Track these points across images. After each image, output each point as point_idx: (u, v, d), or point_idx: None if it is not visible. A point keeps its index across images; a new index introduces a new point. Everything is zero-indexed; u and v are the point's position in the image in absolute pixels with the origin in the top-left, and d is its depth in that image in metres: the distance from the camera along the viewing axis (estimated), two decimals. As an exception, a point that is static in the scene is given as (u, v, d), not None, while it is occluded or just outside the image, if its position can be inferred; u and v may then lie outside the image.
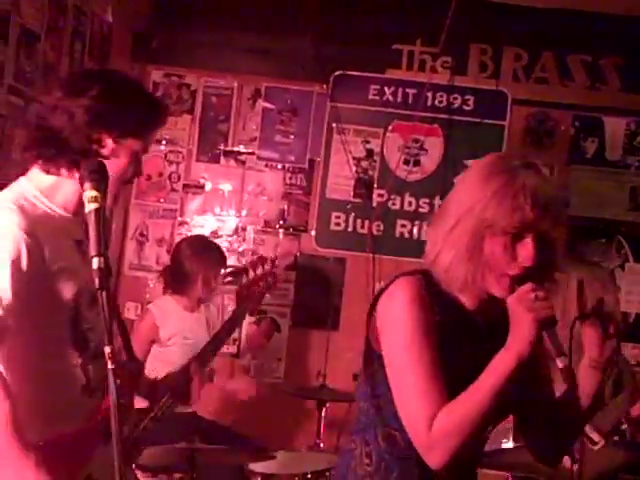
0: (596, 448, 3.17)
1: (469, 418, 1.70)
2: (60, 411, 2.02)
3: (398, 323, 1.79)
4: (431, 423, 1.71)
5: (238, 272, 2.61)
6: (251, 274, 2.43)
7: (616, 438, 3.30)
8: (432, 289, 1.82)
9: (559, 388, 1.92)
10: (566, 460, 2.98)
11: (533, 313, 1.67)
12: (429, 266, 1.85)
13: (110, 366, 1.49)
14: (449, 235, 1.79)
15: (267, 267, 2.61)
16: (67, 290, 2.00)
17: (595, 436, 3.17)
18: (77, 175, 1.94)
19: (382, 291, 1.88)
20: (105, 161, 1.91)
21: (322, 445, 4.02)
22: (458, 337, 1.83)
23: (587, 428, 3.15)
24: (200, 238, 4.51)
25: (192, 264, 4.04)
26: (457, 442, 1.71)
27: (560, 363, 1.67)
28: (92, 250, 1.53)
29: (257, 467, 3.48)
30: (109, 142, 2.06)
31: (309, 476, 3.42)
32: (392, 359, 1.80)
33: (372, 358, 1.88)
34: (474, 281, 1.77)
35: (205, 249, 4.19)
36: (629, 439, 3.39)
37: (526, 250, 1.73)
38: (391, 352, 1.81)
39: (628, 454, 3.31)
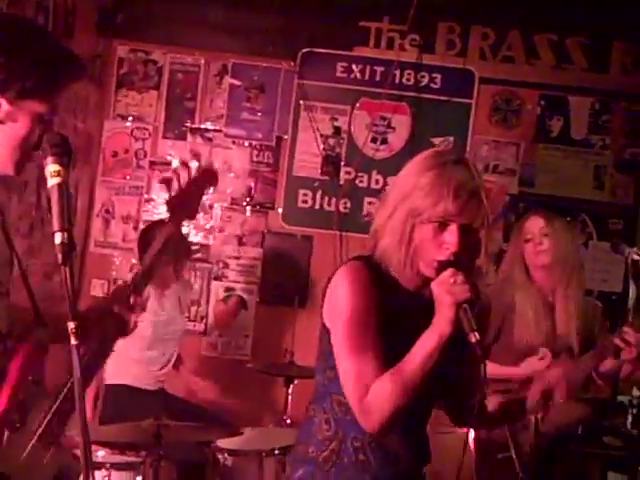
0: (561, 401, 3.24)
1: (399, 390, 1.89)
2: None
3: (341, 302, 1.98)
4: (366, 392, 1.91)
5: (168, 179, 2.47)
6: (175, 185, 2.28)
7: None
8: (374, 272, 2.00)
9: None
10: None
11: (452, 296, 1.86)
12: (372, 250, 2.04)
13: (73, 342, 1.48)
14: (387, 222, 1.99)
15: (201, 163, 2.53)
16: None
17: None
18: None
19: (332, 275, 2.06)
20: (1, 126, 1.80)
21: (289, 421, 4.04)
22: (399, 316, 2.00)
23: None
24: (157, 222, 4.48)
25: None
26: (389, 411, 1.90)
27: (473, 337, 1.84)
28: (55, 225, 1.51)
29: (224, 443, 3.49)
30: (3, 103, 1.79)
31: (276, 452, 3.44)
32: (336, 335, 1.99)
33: (323, 333, 2.06)
34: (406, 265, 1.97)
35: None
36: (593, 395, 3.46)
37: (450, 237, 1.92)
38: (335, 329, 2.00)
39: (589, 408, 3.38)
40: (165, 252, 2.24)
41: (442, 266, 1.91)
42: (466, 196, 1.92)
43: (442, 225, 1.92)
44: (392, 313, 1.98)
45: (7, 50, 1.78)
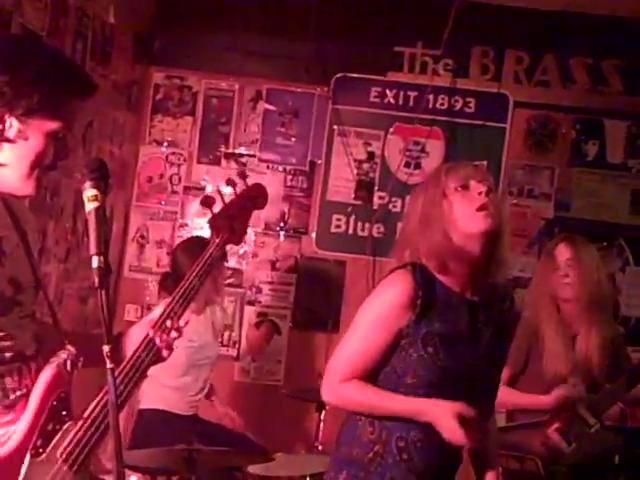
0: (591, 431, 3.19)
1: (361, 407, 2.20)
2: None
3: (370, 301, 2.23)
4: (344, 380, 2.19)
5: (210, 199, 2.21)
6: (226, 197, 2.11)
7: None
8: (421, 276, 2.16)
9: None
10: (560, 441, 3.05)
11: (451, 434, 2.08)
12: (411, 258, 2.22)
13: (109, 365, 1.48)
14: (417, 221, 2.22)
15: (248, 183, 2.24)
16: None
17: (590, 419, 3.19)
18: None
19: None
20: (13, 145, 1.78)
21: (321, 448, 4.00)
22: (444, 315, 2.15)
23: (583, 411, 3.18)
24: (193, 240, 4.44)
25: (183, 262, 3.98)
26: (347, 407, 2.25)
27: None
28: (92, 249, 1.52)
29: (256, 469, 3.47)
30: (13, 122, 1.77)
31: (308, 479, 3.41)
32: (352, 325, 2.26)
33: None
34: (453, 239, 2.15)
35: (200, 250, 4.16)
36: (625, 423, 3.41)
37: (475, 186, 2.18)
38: (354, 320, 2.25)
39: (622, 437, 3.32)
40: (206, 275, 2.11)
41: (479, 210, 2.16)
42: (473, 167, 2.29)
43: (464, 187, 2.18)
44: (440, 315, 2.14)
45: (10, 67, 1.77)
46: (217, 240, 2.20)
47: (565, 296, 3.35)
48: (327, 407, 4.01)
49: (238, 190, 2.25)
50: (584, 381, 3.27)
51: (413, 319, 2.13)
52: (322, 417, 3.99)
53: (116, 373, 1.89)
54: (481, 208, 2.14)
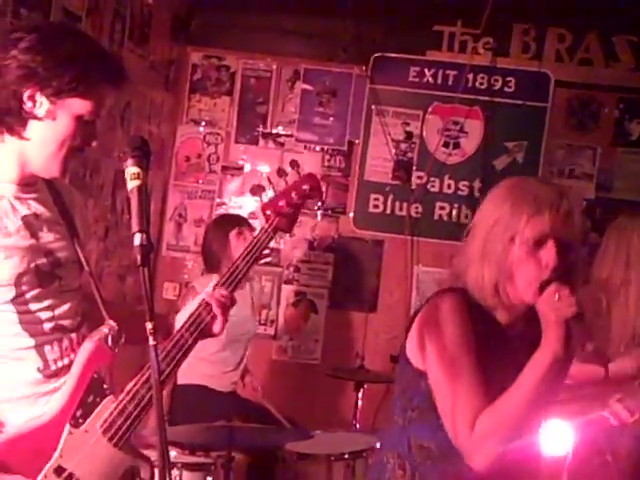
0: None
1: (509, 418, 1.77)
2: (16, 395, 1.86)
3: (442, 332, 1.88)
4: (472, 427, 1.78)
5: (261, 187, 2.25)
6: (277, 186, 2.13)
7: None
8: (470, 305, 1.92)
9: None
10: (623, 412, 2.96)
11: (558, 312, 1.77)
12: (460, 284, 1.95)
13: (151, 342, 1.49)
14: (479, 250, 1.92)
15: (301, 172, 2.25)
16: (4, 271, 1.81)
17: (624, 414, 3.15)
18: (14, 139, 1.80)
19: (422, 306, 1.98)
20: (41, 123, 1.82)
21: (358, 426, 4.02)
22: (494, 351, 1.90)
23: (616, 406, 3.14)
24: (219, 216, 4.52)
25: (216, 237, 4.05)
26: (498, 442, 1.77)
27: (590, 346, 1.81)
28: (134, 226, 1.52)
29: (294, 446, 3.48)
30: (43, 101, 1.81)
31: (346, 456, 3.42)
32: (437, 366, 1.88)
33: (407, 372, 1.97)
34: (502, 290, 1.89)
35: (224, 218, 4.24)
36: None
37: (548, 253, 1.85)
38: (436, 359, 1.88)
39: None
40: (254, 260, 2.15)
41: (542, 286, 1.83)
42: (559, 212, 1.86)
43: (538, 243, 1.86)
44: (487, 346, 1.89)
45: (45, 49, 1.81)
46: (267, 227, 2.21)
47: None
48: (365, 386, 4.03)
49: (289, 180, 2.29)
50: None
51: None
52: (360, 396, 4.01)
53: (169, 339, 1.94)
54: (543, 284, 1.84)
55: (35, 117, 1.82)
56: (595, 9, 4.67)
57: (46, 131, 1.84)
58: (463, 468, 1.83)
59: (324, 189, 4.89)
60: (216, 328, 2.03)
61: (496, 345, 1.92)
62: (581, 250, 1.92)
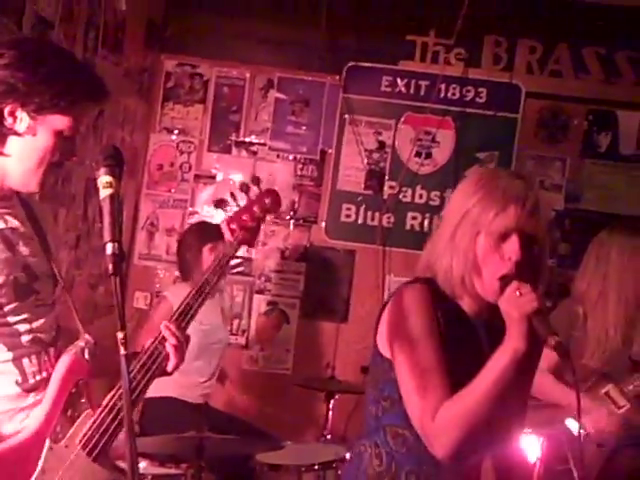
0: (621, 412, 3.18)
1: (470, 411, 1.79)
2: None
3: (406, 323, 1.91)
4: (435, 414, 1.80)
5: (224, 202, 2.40)
6: (240, 200, 2.23)
7: None
8: (436, 295, 1.94)
9: None
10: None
11: (519, 308, 1.79)
12: (430, 274, 1.98)
13: (122, 352, 1.48)
14: (448, 242, 1.95)
15: (262, 187, 2.40)
16: None
17: (620, 400, 3.19)
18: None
19: (389, 298, 2.01)
20: (22, 139, 1.83)
21: (329, 437, 4.01)
22: (459, 340, 1.92)
23: (613, 392, 3.17)
24: (196, 224, 4.52)
25: (191, 247, 4.06)
26: (460, 433, 1.78)
27: (552, 340, 1.76)
28: (106, 236, 1.51)
29: (265, 457, 3.47)
30: (24, 117, 1.84)
31: (316, 467, 3.42)
32: (401, 358, 1.90)
33: (378, 362, 2.00)
34: (469, 283, 1.92)
35: (200, 229, 4.24)
36: None
37: (512, 246, 1.87)
38: (400, 351, 1.91)
39: None
40: (221, 273, 2.20)
41: (505, 283, 1.85)
42: (525, 207, 1.88)
43: (503, 237, 1.88)
44: (452, 336, 1.91)
45: (26, 66, 1.83)
46: (233, 240, 2.30)
47: None
48: (336, 397, 4.03)
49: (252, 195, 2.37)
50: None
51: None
52: (330, 406, 4.00)
53: (133, 365, 1.93)
54: (503, 278, 1.87)
55: (15, 133, 1.83)
56: (565, 22, 4.74)
57: (26, 146, 1.85)
58: (437, 458, 1.86)
59: (297, 198, 4.90)
60: (169, 366, 2.03)
61: (462, 335, 1.95)
62: (547, 247, 1.93)
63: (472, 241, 1.90)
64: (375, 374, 2.01)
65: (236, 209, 2.35)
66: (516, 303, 1.80)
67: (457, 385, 1.82)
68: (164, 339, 2.01)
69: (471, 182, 1.99)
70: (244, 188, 2.35)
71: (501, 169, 2.07)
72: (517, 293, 1.80)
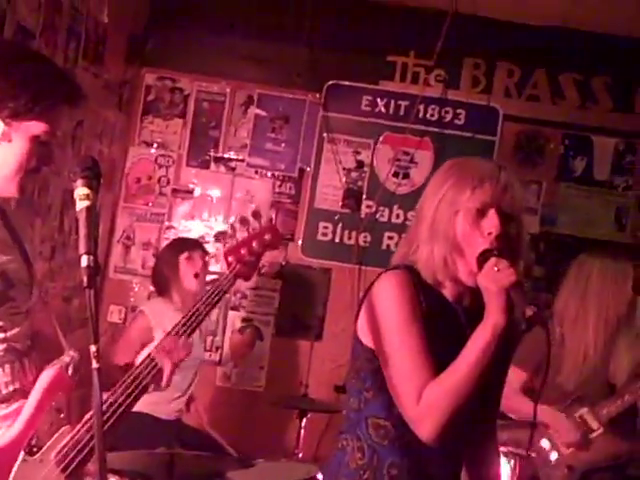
0: (593, 435, 3.20)
1: (454, 389, 1.81)
2: None
3: (388, 309, 1.91)
4: (419, 397, 1.82)
5: (225, 234, 2.39)
6: (240, 234, 2.23)
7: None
8: (416, 280, 1.95)
9: None
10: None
11: (497, 282, 1.80)
12: (409, 262, 1.99)
13: (95, 365, 1.47)
14: (427, 229, 1.96)
15: (263, 223, 2.37)
16: None
17: (593, 424, 3.20)
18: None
19: (370, 286, 2.00)
20: None
21: (301, 455, 3.99)
22: (441, 326, 1.93)
23: (587, 415, 3.19)
24: (173, 239, 4.53)
25: (168, 261, 4.07)
26: (444, 414, 1.80)
27: (529, 310, 1.80)
28: (82, 248, 1.49)
29: (236, 475, 3.44)
30: None
31: (288, 485, 3.40)
32: (384, 343, 1.91)
33: (359, 352, 1.99)
34: (452, 265, 1.92)
35: (177, 242, 4.28)
36: (635, 429, 3.39)
37: (490, 221, 1.89)
38: (383, 337, 1.91)
39: (633, 445, 3.31)
40: (214, 304, 2.19)
41: (484, 259, 1.86)
42: (499, 183, 1.91)
43: (481, 213, 1.90)
44: (434, 322, 1.91)
45: (2, 74, 1.79)
46: (228, 273, 2.29)
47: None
48: (308, 415, 4.01)
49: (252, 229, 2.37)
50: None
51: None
52: (303, 424, 3.99)
53: (115, 388, 1.92)
54: (483, 253, 1.87)
55: None
56: (543, 47, 4.80)
57: (1, 153, 1.82)
58: (420, 447, 1.87)
59: (274, 215, 4.89)
60: (163, 382, 2.02)
61: (443, 320, 1.95)
62: (523, 223, 1.96)
63: (451, 222, 1.91)
64: (356, 365, 2.01)
65: (235, 242, 2.35)
66: (494, 277, 1.81)
67: (440, 370, 1.84)
68: (152, 361, 1.99)
69: (442, 171, 2.03)
70: (244, 222, 2.35)
71: (469, 157, 2.09)
72: (495, 269, 1.81)
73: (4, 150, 1.82)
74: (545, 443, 3.27)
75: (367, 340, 1.97)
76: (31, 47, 3.31)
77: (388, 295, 1.93)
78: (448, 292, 1.99)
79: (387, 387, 1.91)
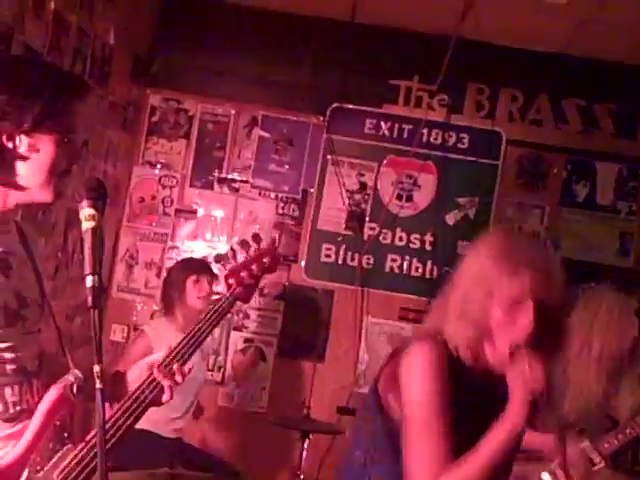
0: (595, 469, 3.18)
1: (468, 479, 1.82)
2: None
3: (418, 387, 1.88)
4: None
5: (224, 256, 2.40)
6: (240, 256, 2.23)
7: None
8: (446, 357, 1.91)
9: None
10: (562, 477, 3.00)
11: (525, 386, 1.79)
12: (439, 334, 1.94)
13: (98, 385, 1.47)
14: (457, 303, 1.91)
15: (262, 246, 2.38)
16: None
17: (595, 457, 3.18)
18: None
19: (398, 350, 1.97)
20: (28, 161, 1.81)
21: (302, 476, 3.98)
22: (468, 403, 1.90)
23: (589, 449, 3.17)
24: (183, 259, 4.54)
25: (175, 281, 4.08)
26: None
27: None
28: (87, 268, 1.51)
29: (237, 496, 3.44)
30: (22, 138, 1.81)
31: (288, 507, 3.39)
32: (408, 419, 1.89)
33: (376, 411, 1.98)
34: (479, 350, 1.89)
35: (186, 263, 4.28)
36: (636, 464, 3.37)
37: (526, 314, 1.82)
38: (409, 413, 1.89)
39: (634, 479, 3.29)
40: (215, 325, 2.20)
41: (514, 350, 1.82)
42: (542, 274, 1.84)
43: (516, 303, 1.83)
44: (460, 399, 1.88)
45: (6, 86, 1.81)
46: (228, 295, 2.30)
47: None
48: (310, 436, 4.00)
49: (252, 252, 2.38)
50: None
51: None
52: (305, 446, 3.98)
53: (117, 407, 1.92)
54: (516, 347, 1.83)
55: (20, 157, 1.81)
56: (546, 73, 4.83)
57: (33, 164, 1.83)
58: None
59: (277, 237, 4.91)
60: (164, 398, 2.01)
61: (468, 399, 1.90)
62: (563, 313, 1.91)
63: (483, 305, 1.86)
64: (370, 422, 1.99)
65: (235, 264, 2.36)
66: (523, 380, 1.80)
67: (460, 449, 1.83)
68: (154, 380, 2.00)
69: (486, 242, 1.96)
70: (244, 245, 2.36)
71: (517, 234, 2.03)
72: (527, 367, 1.80)
73: (35, 161, 1.82)
74: (546, 477, 3.25)
75: (387, 403, 1.96)
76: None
77: (419, 373, 1.89)
78: (475, 370, 1.94)
79: (397, 452, 1.90)
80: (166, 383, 1.99)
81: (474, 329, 1.87)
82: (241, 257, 2.39)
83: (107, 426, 1.87)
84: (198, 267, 4.17)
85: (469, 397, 1.90)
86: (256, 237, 2.39)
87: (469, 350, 1.89)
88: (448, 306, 1.94)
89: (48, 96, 1.82)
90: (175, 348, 2.08)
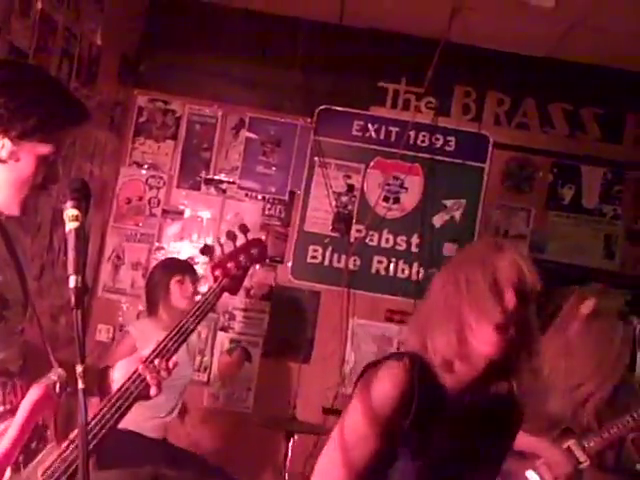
0: (581, 467, 3.19)
1: None
2: None
3: (356, 412, 1.88)
4: None
5: (210, 248, 2.34)
6: (226, 248, 2.22)
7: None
8: (419, 373, 1.89)
9: None
10: (546, 474, 3.01)
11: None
12: (418, 349, 1.94)
13: (80, 386, 1.48)
14: (439, 311, 1.93)
15: (249, 237, 2.36)
16: None
17: (581, 456, 3.20)
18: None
19: (372, 365, 1.96)
20: (4, 165, 1.82)
21: (287, 477, 3.99)
22: (438, 421, 1.89)
23: (574, 447, 3.18)
24: (166, 259, 4.53)
25: (159, 282, 4.07)
26: None
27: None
28: (70, 269, 1.51)
29: (221, 497, 3.44)
30: (6, 143, 1.82)
31: (273, 508, 3.39)
32: (338, 427, 1.90)
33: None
34: (460, 342, 1.88)
35: (169, 262, 4.28)
36: (620, 463, 3.39)
37: (508, 295, 1.88)
38: (337, 431, 1.89)
39: (618, 478, 3.30)
40: (201, 318, 2.18)
41: (500, 329, 1.85)
42: (524, 267, 1.92)
43: (496, 288, 1.89)
44: (431, 419, 1.87)
45: (8, 91, 1.81)
46: (215, 287, 2.26)
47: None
48: (295, 437, 4.01)
49: (238, 243, 2.34)
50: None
51: (407, 425, 1.85)
52: (290, 446, 3.98)
53: (103, 403, 1.92)
54: (498, 327, 1.87)
55: None
56: (533, 77, 4.86)
57: (9, 172, 1.84)
58: None
59: (264, 238, 4.90)
60: (152, 392, 2.01)
61: (440, 416, 1.90)
62: (535, 313, 1.94)
63: (464, 299, 1.90)
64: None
65: (221, 256, 2.32)
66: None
67: (432, 468, 1.82)
68: (139, 377, 2.00)
69: (455, 263, 2.01)
70: (231, 236, 2.32)
71: (485, 243, 2.07)
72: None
73: (11, 169, 1.83)
74: (531, 475, 3.27)
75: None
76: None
77: (363, 400, 1.88)
78: (452, 384, 1.94)
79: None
80: (150, 377, 1.99)
81: (459, 328, 1.89)
82: (227, 248, 2.38)
83: (94, 420, 1.88)
84: (182, 267, 4.17)
85: (447, 413, 1.91)
86: (243, 228, 2.35)
87: (448, 360, 1.90)
88: (428, 312, 1.96)
89: (46, 112, 1.83)
90: (161, 342, 2.08)
